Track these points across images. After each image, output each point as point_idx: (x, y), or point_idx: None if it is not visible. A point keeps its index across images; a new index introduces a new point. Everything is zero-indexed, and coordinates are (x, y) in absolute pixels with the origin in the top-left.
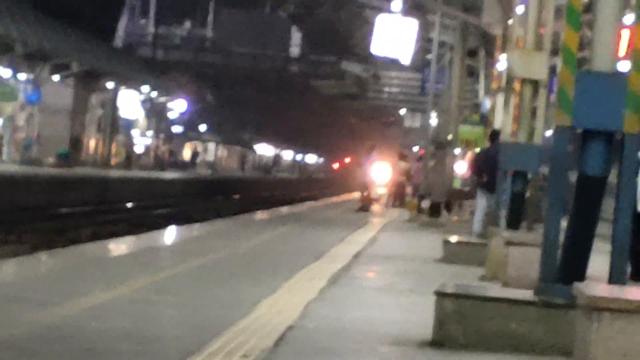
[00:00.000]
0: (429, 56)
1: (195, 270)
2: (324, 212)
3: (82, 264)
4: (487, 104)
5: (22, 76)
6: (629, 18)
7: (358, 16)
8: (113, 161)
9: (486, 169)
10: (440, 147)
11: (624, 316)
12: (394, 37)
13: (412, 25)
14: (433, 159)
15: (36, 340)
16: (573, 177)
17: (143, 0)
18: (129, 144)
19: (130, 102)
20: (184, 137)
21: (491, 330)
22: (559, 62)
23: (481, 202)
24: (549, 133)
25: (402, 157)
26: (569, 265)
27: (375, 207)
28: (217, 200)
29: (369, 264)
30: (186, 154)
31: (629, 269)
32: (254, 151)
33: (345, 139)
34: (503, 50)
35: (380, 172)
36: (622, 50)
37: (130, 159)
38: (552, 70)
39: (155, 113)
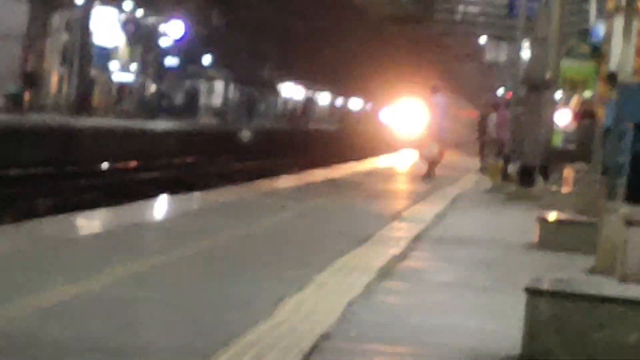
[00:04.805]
0: None
1: (193, 256)
2: (373, 179)
3: (36, 246)
4: (600, 30)
5: None
6: None
7: None
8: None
9: None
10: (535, 89)
11: None
12: None
13: None
14: (524, 105)
15: None
16: None
17: None
18: (92, 78)
19: (107, 24)
20: (181, 73)
21: (602, 343)
22: None
23: None
24: None
25: (436, 89)
26: None
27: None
28: (226, 160)
29: (433, 251)
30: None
31: None
32: (276, 93)
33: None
34: None
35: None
36: None
37: (86, 100)
38: None
39: (142, 39)
